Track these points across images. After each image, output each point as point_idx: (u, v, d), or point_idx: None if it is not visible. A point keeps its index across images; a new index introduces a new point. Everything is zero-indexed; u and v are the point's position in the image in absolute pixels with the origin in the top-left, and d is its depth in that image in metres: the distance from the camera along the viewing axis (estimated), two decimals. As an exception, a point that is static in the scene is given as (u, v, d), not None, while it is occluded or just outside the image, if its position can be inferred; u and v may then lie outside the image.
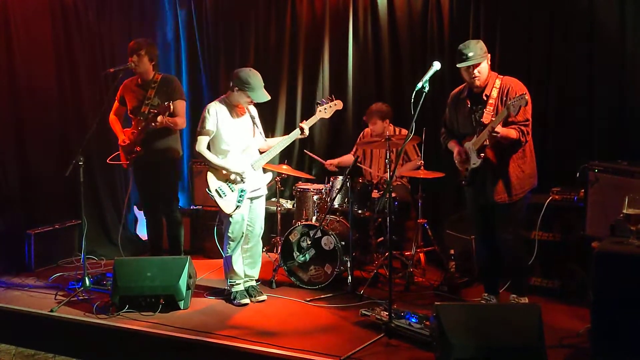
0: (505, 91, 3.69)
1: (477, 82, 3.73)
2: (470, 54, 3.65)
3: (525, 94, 3.53)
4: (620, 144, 4.42)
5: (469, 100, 3.82)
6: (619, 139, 4.45)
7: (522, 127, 3.63)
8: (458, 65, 3.72)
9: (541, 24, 4.77)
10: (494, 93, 3.69)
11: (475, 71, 3.69)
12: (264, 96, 4.11)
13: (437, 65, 3.48)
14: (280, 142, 4.23)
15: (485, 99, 3.73)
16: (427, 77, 3.41)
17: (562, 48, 4.68)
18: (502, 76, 3.78)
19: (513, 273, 3.99)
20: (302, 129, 4.16)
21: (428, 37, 5.33)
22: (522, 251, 3.98)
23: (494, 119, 3.61)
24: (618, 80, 4.47)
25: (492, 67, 3.86)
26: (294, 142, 5.72)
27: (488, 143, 3.65)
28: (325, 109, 4.21)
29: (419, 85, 3.38)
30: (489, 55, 3.75)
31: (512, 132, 3.60)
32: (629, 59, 4.42)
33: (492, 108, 3.68)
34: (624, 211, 2.94)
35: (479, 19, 5.01)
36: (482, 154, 3.69)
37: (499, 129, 3.55)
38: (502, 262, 3.92)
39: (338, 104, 4.26)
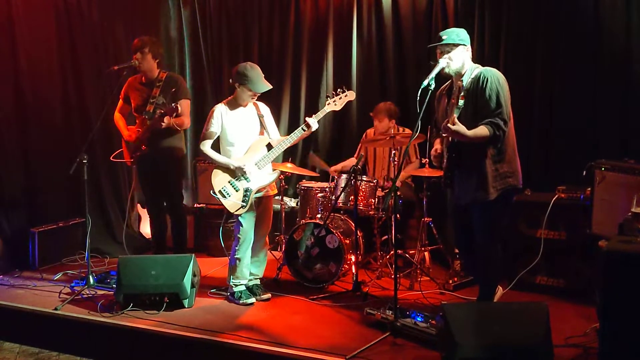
0: (477, 81, 3.37)
1: (447, 70, 3.45)
2: (444, 37, 3.44)
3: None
4: (626, 142, 4.39)
5: (447, 95, 3.61)
6: (625, 137, 4.43)
7: (496, 120, 3.28)
8: (429, 46, 3.51)
9: (546, 23, 4.74)
10: (468, 85, 3.40)
11: (446, 57, 3.43)
12: (265, 86, 4.08)
13: (442, 63, 3.43)
14: (284, 141, 4.12)
15: (458, 92, 3.44)
16: (432, 74, 3.35)
17: (568, 46, 4.65)
18: (484, 67, 3.47)
19: (482, 282, 3.80)
20: (308, 125, 4.00)
21: (433, 35, 5.29)
22: (495, 261, 3.63)
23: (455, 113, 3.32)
24: (623, 78, 4.44)
25: (497, 65, 3.78)
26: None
27: (454, 139, 3.38)
28: (335, 101, 4.08)
29: (425, 83, 3.30)
30: (468, 46, 3.48)
31: (483, 131, 3.28)
32: (634, 56, 4.39)
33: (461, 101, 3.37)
34: (633, 210, 2.92)
35: (484, 17, 4.99)
36: (453, 152, 3.46)
37: (456, 125, 3.21)
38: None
39: (350, 95, 4.11)
